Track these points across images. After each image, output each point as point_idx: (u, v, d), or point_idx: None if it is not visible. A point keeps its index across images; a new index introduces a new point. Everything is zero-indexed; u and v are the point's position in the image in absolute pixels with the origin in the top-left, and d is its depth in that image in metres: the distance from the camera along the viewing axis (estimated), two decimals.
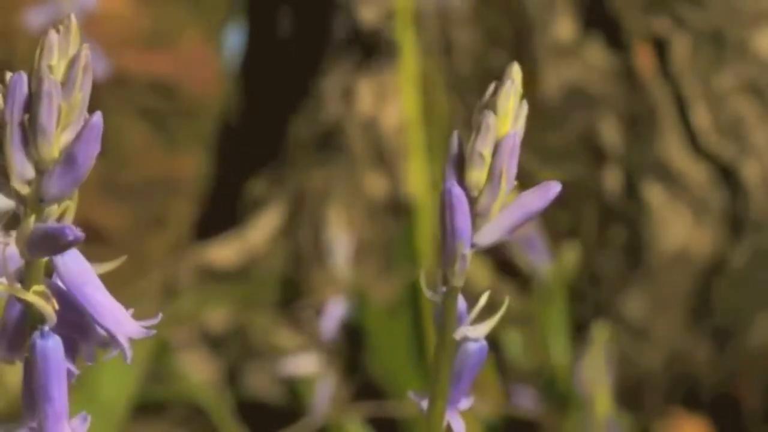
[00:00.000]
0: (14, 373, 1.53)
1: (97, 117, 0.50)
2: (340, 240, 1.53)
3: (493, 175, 0.56)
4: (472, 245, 0.56)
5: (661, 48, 1.85)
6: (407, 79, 1.50)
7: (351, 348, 1.61)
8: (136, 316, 0.52)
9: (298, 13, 2.17)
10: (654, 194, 1.81)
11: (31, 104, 0.51)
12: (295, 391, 1.65)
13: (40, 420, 0.51)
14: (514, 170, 0.56)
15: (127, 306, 0.52)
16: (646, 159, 1.83)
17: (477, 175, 0.56)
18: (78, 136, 0.50)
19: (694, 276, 1.81)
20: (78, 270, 0.51)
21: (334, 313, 1.48)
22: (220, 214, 2.08)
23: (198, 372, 1.79)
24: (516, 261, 1.64)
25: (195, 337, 1.86)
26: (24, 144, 0.51)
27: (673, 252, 1.80)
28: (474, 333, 0.57)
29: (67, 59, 0.51)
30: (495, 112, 0.55)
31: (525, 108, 0.56)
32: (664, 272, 1.80)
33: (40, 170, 0.51)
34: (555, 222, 1.84)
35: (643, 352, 1.80)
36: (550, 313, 1.56)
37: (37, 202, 0.51)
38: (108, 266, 0.53)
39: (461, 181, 0.56)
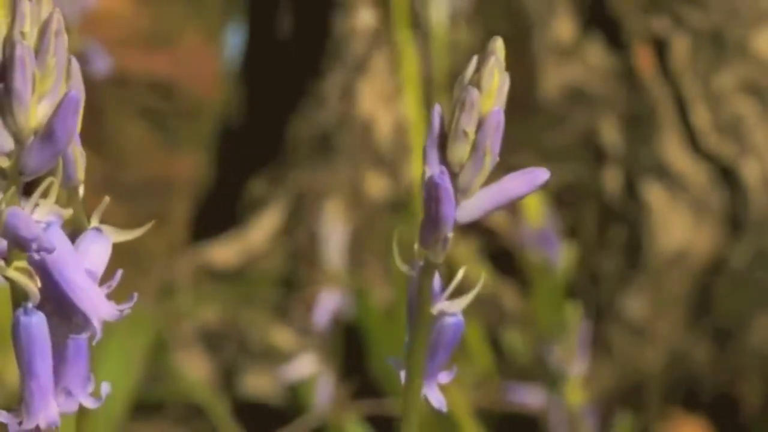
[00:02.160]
0: (14, 372, 1.53)
1: (75, 91, 0.50)
2: (334, 232, 1.52)
3: (476, 152, 0.55)
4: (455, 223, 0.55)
5: (660, 48, 1.86)
6: (407, 79, 1.50)
7: (350, 347, 1.61)
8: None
9: (297, 14, 2.17)
10: (654, 194, 1.81)
11: (4, 73, 0.50)
12: (294, 390, 1.65)
13: (26, 397, 0.51)
14: (498, 147, 0.55)
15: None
16: (646, 159, 1.83)
17: (460, 151, 0.55)
18: (56, 111, 0.50)
19: (693, 276, 1.81)
20: (59, 249, 0.51)
21: (326, 304, 1.48)
22: (220, 213, 2.08)
23: (196, 371, 1.80)
24: (520, 257, 1.64)
25: (193, 337, 1.86)
26: (1, 114, 0.50)
27: (672, 252, 1.80)
28: (451, 308, 0.57)
29: (39, 25, 0.50)
30: (479, 88, 0.55)
31: (507, 83, 0.55)
32: (663, 272, 1.80)
33: (20, 141, 0.50)
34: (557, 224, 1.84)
35: (642, 352, 1.80)
36: (549, 312, 1.56)
37: (17, 174, 0.51)
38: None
39: (443, 159, 0.55)
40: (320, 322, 1.47)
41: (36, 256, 0.50)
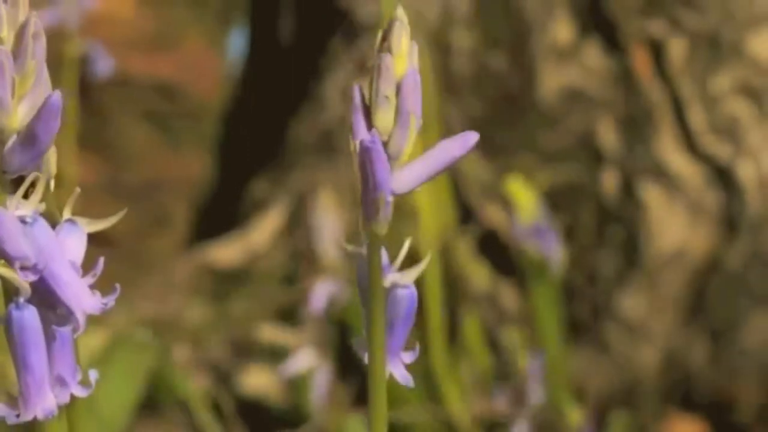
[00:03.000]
0: (14, 376, 1.54)
1: (56, 95, 0.50)
2: (327, 222, 1.53)
3: (400, 116, 0.55)
4: (391, 192, 0.56)
5: (657, 50, 1.86)
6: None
7: (350, 350, 1.62)
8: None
9: (299, 17, 2.18)
10: (651, 195, 1.82)
11: None
12: (291, 386, 1.66)
13: (22, 389, 0.51)
14: (419, 109, 0.56)
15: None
16: (643, 160, 1.83)
17: (385, 117, 0.56)
18: (38, 114, 0.50)
19: (690, 276, 1.81)
20: (44, 243, 0.51)
21: (321, 293, 1.48)
22: (222, 214, 2.09)
23: (195, 371, 1.80)
24: (519, 256, 1.64)
25: (194, 336, 1.87)
26: None
27: (669, 252, 1.80)
28: (403, 279, 0.58)
29: (16, 29, 0.51)
30: (391, 53, 0.56)
31: (417, 47, 0.56)
32: (660, 272, 1.80)
33: (2, 141, 0.51)
34: (553, 222, 1.85)
35: (639, 352, 1.80)
36: (544, 312, 1.57)
37: (2, 173, 0.51)
38: None
39: (370, 129, 0.56)
40: (315, 311, 1.48)
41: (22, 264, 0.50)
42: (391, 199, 0.56)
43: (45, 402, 0.51)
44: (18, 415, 0.51)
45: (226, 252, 1.96)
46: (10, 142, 0.51)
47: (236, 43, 2.26)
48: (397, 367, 0.58)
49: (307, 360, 1.47)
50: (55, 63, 1.55)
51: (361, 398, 1.64)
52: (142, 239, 2.06)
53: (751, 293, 1.81)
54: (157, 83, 2.09)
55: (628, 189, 1.83)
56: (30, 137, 0.50)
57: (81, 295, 0.52)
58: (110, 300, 0.52)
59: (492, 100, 1.90)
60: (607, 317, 1.81)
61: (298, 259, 1.90)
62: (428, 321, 1.57)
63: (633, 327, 1.80)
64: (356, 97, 0.56)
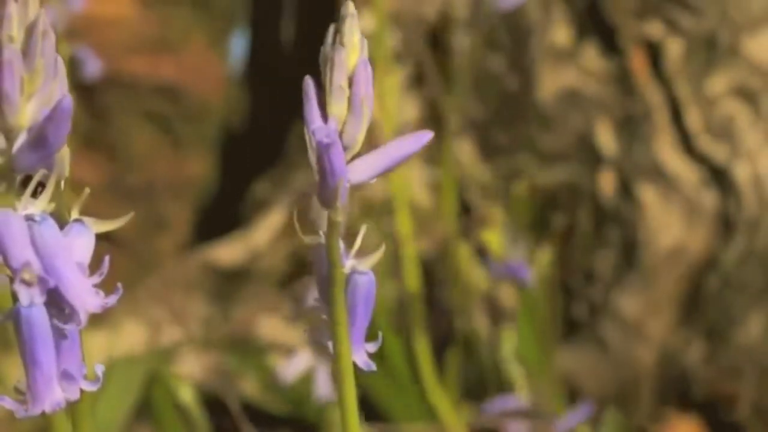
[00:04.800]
0: (14, 377, 1.55)
1: (67, 98, 0.50)
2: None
3: (353, 105, 0.58)
4: (348, 182, 0.57)
5: (654, 52, 1.86)
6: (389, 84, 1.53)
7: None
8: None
9: (300, 19, 2.19)
10: (648, 195, 1.82)
11: None
12: (292, 389, 1.67)
13: (30, 384, 0.52)
14: (371, 99, 0.58)
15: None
16: (640, 160, 1.83)
17: (339, 107, 0.58)
18: (50, 116, 0.50)
19: (686, 275, 1.81)
20: (51, 242, 0.51)
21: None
22: (225, 215, 2.10)
23: (196, 372, 1.81)
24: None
25: (194, 337, 1.87)
26: None
27: (666, 252, 1.81)
28: (362, 265, 0.59)
29: (26, 27, 0.51)
30: (344, 45, 0.58)
31: (365, 41, 0.59)
32: (657, 271, 1.81)
33: (10, 139, 0.51)
34: (551, 222, 1.86)
35: (636, 351, 1.81)
36: (532, 315, 1.58)
37: (9, 171, 0.52)
38: None
39: (324, 118, 0.58)
40: (312, 307, 1.48)
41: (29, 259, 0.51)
42: (347, 186, 0.57)
43: (53, 396, 0.52)
44: (26, 410, 0.52)
45: (228, 252, 1.97)
46: (19, 141, 0.52)
47: (238, 45, 2.27)
48: (359, 354, 0.59)
49: (306, 360, 1.48)
50: None
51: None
52: (145, 239, 2.07)
53: (748, 292, 1.81)
54: (160, 85, 2.11)
55: (625, 189, 1.83)
56: (40, 138, 0.51)
57: (84, 294, 0.52)
58: (112, 299, 0.53)
59: (491, 101, 1.91)
60: (605, 316, 1.82)
61: (298, 257, 1.91)
62: (412, 329, 1.58)
63: (630, 326, 1.81)
64: (309, 87, 0.58)
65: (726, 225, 1.82)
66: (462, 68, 1.90)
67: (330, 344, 0.59)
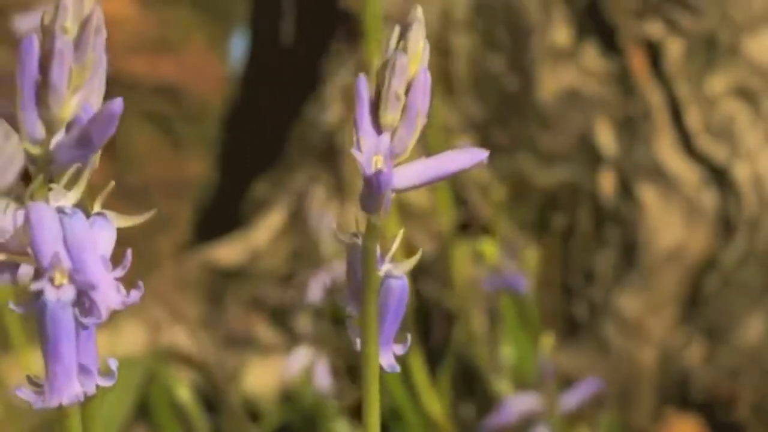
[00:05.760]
0: (14, 378, 1.56)
1: (118, 102, 0.50)
2: (321, 216, 1.54)
3: (408, 113, 0.56)
4: (392, 188, 0.57)
5: (654, 52, 1.86)
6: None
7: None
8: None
9: (300, 19, 2.19)
10: (648, 195, 1.82)
11: (43, 65, 0.50)
12: (293, 386, 1.67)
13: (50, 376, 0.51)
14: (426, 108, 0.57)
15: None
16: (640, 160, 1.83)
17: (393, 115, 0.56)
18: (97, 117, 0.50)
19: (686, 275, 1.81)
20: (80, 236, 0.51)
21: (317, 285, 1.48)
22: (225, 214, 2.10)
23: (196, 371, 1.81)
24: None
25: (194, 337, 1.87)
26: (36, 104, 0.50)
27: (666, 251, 1.81)
28: (397, 270, 0.59)
29: (80, 21, 0.51)
30: (407, 52, 0.56)
31: (428, 48, 0.57)
32: (657, 271, 1.81)
33: (51, 131, 0.51)
34: (551, 222, 1.86)
35: (636, 351, 1.81)
36: (526, 321, 1.58)
37: (46, 163, 0.52)
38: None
39: (376, 123, 0.57)
40: (313, 299, 1.48)
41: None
42: (392, 194, 0.57)
43: (72, 390, 0.52)
44: (43, 401, 0.52)
45: (228, 252, 1.97)
46: (60, 136, 0.51)
47: (238, 45, 2.27)
48: (386, 356, 0.59)
49: (305, 358, 1.48)
50: None
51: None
52: (147, 238, 2.07)
53: (748, 292, 1.81)
54: (160, 85, 2.11)
55: (625, 189, 1.83)
56: (84, 138, 0.51)
57: (107, 290, 0.52)
58: (135, 296, 0.53)
59: (491, 101, 1.91)
60: (605, 316, 1.82)
61: (298, 257, 1.91)
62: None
63: (630, 326, 1.81)
64: (362, 90, 0.57)
65: (726, 225, 1.82)
66: (462, 69, 1.89)
67: (358, 342, 0.59)
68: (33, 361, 1.51)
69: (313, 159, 1.98)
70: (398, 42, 0.57)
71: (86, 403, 0.54)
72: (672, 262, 1.81)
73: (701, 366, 1.82)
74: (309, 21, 2.17)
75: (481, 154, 0.57)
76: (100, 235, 0.54)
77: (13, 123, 0.53)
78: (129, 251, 0.54)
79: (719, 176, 1.82)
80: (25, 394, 0.52)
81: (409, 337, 0.60)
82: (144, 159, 2.11)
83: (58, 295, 0.50)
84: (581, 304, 1.83)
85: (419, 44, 0.57)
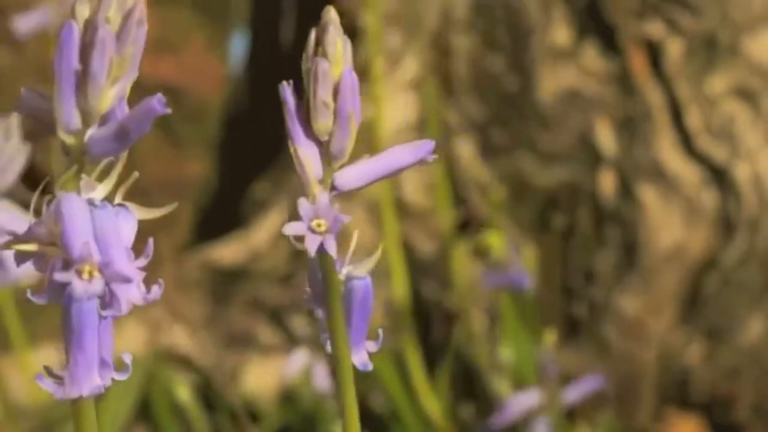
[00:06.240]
0: (14, 378, 1.56)
1: (159, 99, 0.50)
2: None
3: (340, 120, 0.56)
4: (334, 188, 0.56)
5: (654, 52, 1.86)
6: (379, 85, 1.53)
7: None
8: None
9: (300, 19, 2.19)
10: (648, 195, 1.82)
11: (84, 54, 0.50)
12: (293, 388, 1.67)
13: (71, 367, 0.51)
14: (358, 108, 0.56)
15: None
16: (640, 160, 1.83)
17: (324, 122, 0.56)
18: (136, 112, 0.50)
19: (687, 275, 1.82)
20: (109, 229, 0.51)
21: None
22: (225, 215, 2.10)
23: (196, 371, 1.81)
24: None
25: (194, 336, 1.88)
26: (74, 93, 0.50)
27: (666, 251, 1.81)
28: (357, 271, 0.59)
29: (123, 13, 0.50)
30: (327, 57, 0.55)
31: (349, 46, 0.56)
32: (657, 271, 1.81)
33: (87, 122, 0.51)
34: (551, 222, 1.86)
35: (636, 351, 1.81)
36: (526, 319, 1.58)
37: (81, 154, 0.51)
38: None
39: (309, 132, 0.56)
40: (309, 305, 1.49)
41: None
42: (334, 195, 0.56)
43: (92, 382, 0.52)
44: (63, 392, 0.52)
45: (228, 252, 1.97)
46: (96, 128, 0.51)
47: (238, 45, 2.27)
48: (359, 355, 0.58)
49: (303, 359, 1.49)
50: (42, 65, 1.56)
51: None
52: (145, 239, 2.07)
53: (748, 292, 1.81)
54: (160, 85, 2.11)
55: (625, 189, 1.83)
56: (121, 132, 0.50)
57: (129, 285, 0.52)
58: (156, 293, 0.52)
59: (491, 101, 1.91)
60: (605, 316, 1.82)
61: (299, 260, 1.91)
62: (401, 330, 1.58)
63: (630, 326, 1.81)
64: (289, 102, 0.56)
65: (726, 225, 1.82)
66: (461, 68, 1.90)
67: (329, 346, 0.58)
68: (33, 361, 1.51)
69: None
70: (316, 48, 0.56)
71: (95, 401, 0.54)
72: (672, 262, 1.81)
73: (701, 366, 1.82)
74: (309, 20, 2.17)
75: (426, 147, 0.57)
76: (124, 226, 0.53)
77: (44, 116, 0.52)
78: (151, 240, 0.53)
79: (719, 176, 1.82)
80: (46, 384, 0.52)
81: (380, 332, 0.59)
82: (144, 159, 2.11)
83: (87, 287, 0.50)
84: (581, 304, 1.83)
85: (337, 45, 0.56)
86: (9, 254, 0.95)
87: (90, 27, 0.50)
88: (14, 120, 0.93)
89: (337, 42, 0.56)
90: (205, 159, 2.18)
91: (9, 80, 2.14)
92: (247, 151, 2.21)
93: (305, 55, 0.56)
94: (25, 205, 0.92)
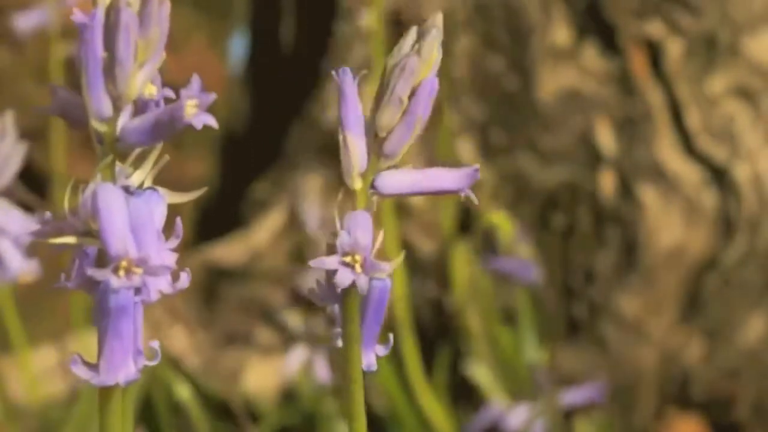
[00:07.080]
0: (14, 378, 1.56)
1: (209, 98, 0.50)
2: (312, 210, 1.54)
3: (407, 118, 0.55)
4: (374, 187, 0.55)
5: (655, 52, 1.87)
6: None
7: None
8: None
9: (301, 20, 2.19)
10: (648, 195, 1.82)
11: (108, 40, 0.49)
12: (293, 387, 1.67)
13: (107, 354, 0.51)
14: (427, 115, 0.55)
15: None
16: (641, 160, 1.84)
17: (391, 117, 0.55)
18: (176, 106, 0.50)
19: (687, 275, 1.82)
20: (143, 214, 0.51)
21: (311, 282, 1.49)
22: (225, 215, 2.10)
23: (196, 371, 1.81)
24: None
25: (194, 337, 1.88)
26: (102, 79, 0.49)
27: (666, 252, 1.81)
28: (378, 272, 0.57)
29: None
30: (420, 56, 0.55)
31: (440, 55, 0.55)
32: (657, 271, 1.81)
33: (118, 108, 0.50)
34: (551, 222, 1.86)
35: (636, 351, 1.81)
36: (535, 314, 1.58)
37: (114, 141, 0.51)
38: None
39: (372, 119, 0.55)
40: (306, 300, 1.49)
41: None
42: (375, 197, 0.56)
43: (128, 369, 0.52)
44: (98, 379, 0.52)
45: (228, 252, 1.97)
46: (128, 117, 0.50)
47: (238, 45, 2.27)
48: (368, 357, 0.58)
49: (303, 355, 1.48)
50: (42, 65, 1.56)
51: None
52: None
53: (748, 292, 1.82)
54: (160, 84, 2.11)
55: (625, 189, 1.83)
56: (159, 123, 0.50)
57: (159, 276, 0.52)
58: (184, 281, 0.53)
59: (491, 101, 1.91)
60: (605, 316, 1.82)
61: (299, 260, 1.91)
62: (401, 333, 1.59)
63: (630, 326, 1.81)
64: (348, 88, 0.55)
65: (726, 225, 1.82)
66: (462, 69, 1.90)
67: (339, 342, 0.58)
68: (33, 361, 1.51)
69: (314, 159, 1.99)
70: (413, 45, 0.55)
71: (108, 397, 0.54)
72: (672, 262, 1.81)
73: (701, 366, 1.82)
74: (309, 20, 2.17)
75: (474, 174, 0.56)
76: (156, 210, 0.53)
77: (71, 109, 0.51)
78: (179, 219, 0.53)
79: (719, 176, 1.83)
80: (80, 371, 0.52)
81: (391, 337, 0.59)
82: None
83: (125, 282, 0.50)
84: (581, 304, 1.83)
85: (434, 52, 0.55)
86: (8, 251, 0.95)
87: (112, 12, 0.49)
88: (9, 119, 0.93)
89: (434, 47, 0.55)
90: (206, 159, 2.18)
91: (9, 80, 2.14)
92: (247, 151, 2.21)
93: (396, 48, 0.55)
94: (22, 204, 0.92)
